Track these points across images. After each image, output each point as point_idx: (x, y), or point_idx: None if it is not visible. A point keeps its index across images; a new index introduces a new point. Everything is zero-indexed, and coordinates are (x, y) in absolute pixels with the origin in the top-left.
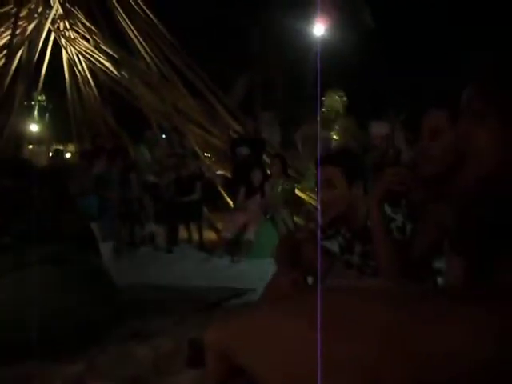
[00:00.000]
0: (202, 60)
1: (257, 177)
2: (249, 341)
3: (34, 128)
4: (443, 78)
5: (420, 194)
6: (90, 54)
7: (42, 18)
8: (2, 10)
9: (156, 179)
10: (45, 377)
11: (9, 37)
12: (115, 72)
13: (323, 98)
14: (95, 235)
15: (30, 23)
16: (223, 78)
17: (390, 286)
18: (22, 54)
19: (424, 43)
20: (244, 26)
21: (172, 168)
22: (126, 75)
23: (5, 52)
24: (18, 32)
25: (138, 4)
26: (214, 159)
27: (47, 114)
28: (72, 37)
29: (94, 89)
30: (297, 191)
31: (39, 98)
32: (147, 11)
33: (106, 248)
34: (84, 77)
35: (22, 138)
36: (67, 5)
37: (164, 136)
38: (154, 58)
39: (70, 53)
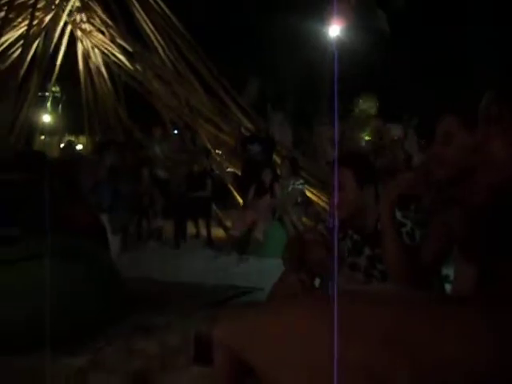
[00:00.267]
0: (215, 58)
1: (268, 176)
2: (257, 339)
3: (46, 119)
4: (458, 82)
5: (430, 199)
6: (105, 47)
7: (59, 9)
8: (20, 1)
9: (166, 175)
10: (51, 370)
11: (26, 27)
12: (129, 66)
13: (360, 100)
14: (105, 228)
15: (46, 15)
16: (237, 77)
17: (397, 292)
18: (37, 44)
19: (440, 49)
20: (258, 26)
21: (183, 164)
22: (140, 69)
23: (21, 42)
24: (34, 23)
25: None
26: (224, 156)
27: (60, 105)
28: (88, 29)
29: (108, 82)
30: (307, 192)
31: (53, 88)
32: (164, 7)
33: (114, 241)
34: (98, 69)
35: (34, 129)
36: None
37: (176, 132)
38: (168, 53)
39: (85, 45)
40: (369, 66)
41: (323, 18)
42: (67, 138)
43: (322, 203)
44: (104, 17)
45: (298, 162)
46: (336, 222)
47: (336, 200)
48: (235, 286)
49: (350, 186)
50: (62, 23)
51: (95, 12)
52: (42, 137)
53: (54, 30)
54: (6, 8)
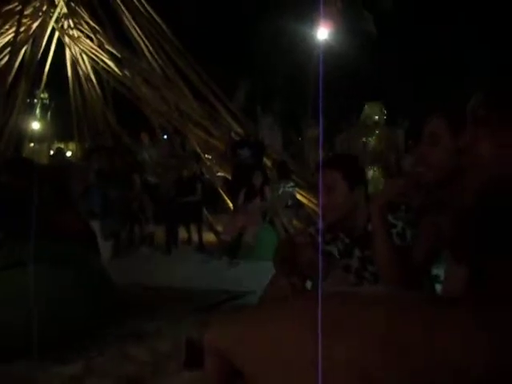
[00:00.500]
0: (204, 62)
1: (258, 180)
2: (247, 343)
3: (35, 126)
4: (446, 84)
5: (420, 201)
6: (93, 53)
7: (47, 16)
8: (7, 8)
9: (156, 180)
10: (43, 377)
11: (13, 34)
12: (118, 72)
13: (366, 107)
14: (95, 234)
15: (34, 21)
16: (225, 81)
17: (389, 292)
18: (25, 51)
19: (428, 49)
20: (246, 29)
21: (173, 169)
22: (128, 75)
23: (8, 49)
24: (22, 30)
25: (142, 4)
26: (214, 161)
27: (49, 112)
28: (76, 36)
29: (97, 88)
30: (297, 195)
31: (42, 95)
32: (151, 12)
33: (106, 247)
34: (87, 76)
35: (23, 136)
36: (72, 4)
37: (165, 137)
38: (157, 58)
39: (73, 51)
40: (356, 70)
41: (312, 21)
42: (56, 144)
43: (312, 206)
44: (92, 23)
45: (288, 165)
46: (321, 225)
47: (326, 203)
48: (227, 290)
49: (340, 189)
50: (49, 30)
51: (82, 18)
52: (32, 144)
53: (42, 36)
54: None
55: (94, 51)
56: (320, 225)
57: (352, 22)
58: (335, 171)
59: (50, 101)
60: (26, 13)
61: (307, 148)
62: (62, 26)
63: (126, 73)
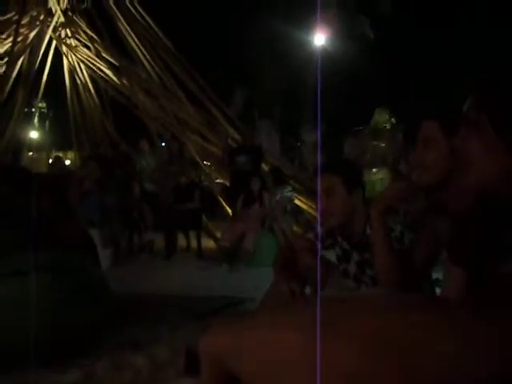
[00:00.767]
0: (201, 69)
1: (256, 185)
2: (244, 350)
3: (34, 135)
4: (447, 86)
5: (418, 204)
6: (90, 62)
7: (44, 25)
8: (4, 17)
9: (154, 187)
10: None
11: (10, 44)
12: (116, 80)
13: (375, 113)
14: (94, 243)
15: (31, 31)
16: (223, 87)
17: (388, 295)
18: (23, 61)
19: (427, 51)
20: (243, 35)
21: (171, 176)
22: (126, 83)
23: (6, 59)
24: (19, 39)
25: (139, 13)
26: (213, 167)
27: (47, 121)
28: (73, 45)
29: (95, 96)
30: (296, 200)
31: (40, 105)
32: (148, 20)
33: (105, 255)
34: (85, 84)
35: (22, 145)
36: (69, 13)
37: (163, 144)
38: (154, 66)
39: (71, 60)
40: (354, 73)
41: (309, 27)
42: (55, 153)
43: (311, 211)
44: (89, 32)
45: (282, 171)
46: (320, 231)
47: (325, 207)
48: (226, 296)
49: (339, 193)
50: (46, 39)
51: (80, 27)
52: (30, 153)
53: (39, 46)
54: None
55: (91, 60)
56: (319, 230)
57: (348, 27)
58: (334, 176)
59: (48, 110)
60: (23, 22)
61: (306, 153)
62: (60, 35)
63: (124, 81)
